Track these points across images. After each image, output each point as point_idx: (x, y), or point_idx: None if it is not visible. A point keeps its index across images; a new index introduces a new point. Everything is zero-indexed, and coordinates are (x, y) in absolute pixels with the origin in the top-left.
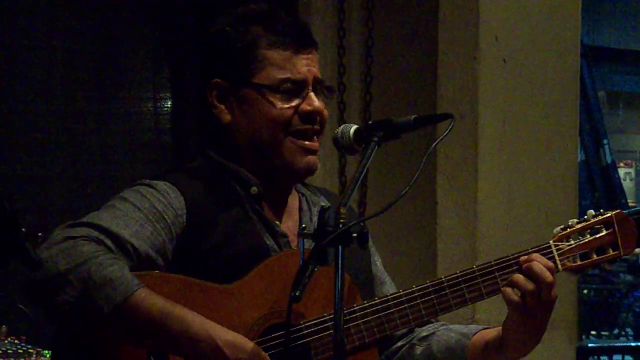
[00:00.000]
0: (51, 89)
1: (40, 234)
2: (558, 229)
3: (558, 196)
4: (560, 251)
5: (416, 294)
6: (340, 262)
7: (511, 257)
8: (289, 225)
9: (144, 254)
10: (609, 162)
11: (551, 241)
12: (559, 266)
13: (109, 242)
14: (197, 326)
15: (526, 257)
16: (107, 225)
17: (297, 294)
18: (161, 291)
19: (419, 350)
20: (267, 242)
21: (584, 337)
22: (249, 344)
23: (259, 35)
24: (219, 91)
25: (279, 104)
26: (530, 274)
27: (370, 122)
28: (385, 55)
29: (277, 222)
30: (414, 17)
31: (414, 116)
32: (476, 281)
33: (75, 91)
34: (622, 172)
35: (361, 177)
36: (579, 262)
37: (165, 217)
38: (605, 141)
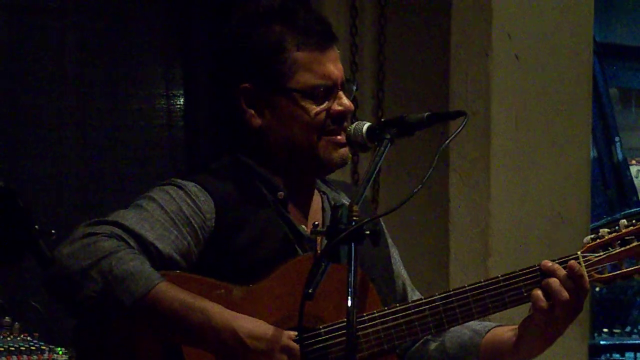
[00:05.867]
0: (63, 87)
1: (53, 231)
2: (588, 238)
3: (571, 193)
4: (588, 262)
5: (437, 302)
6: (353, 259)
7: (537, 266)
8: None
9: (167, 256)
10: (620, 159)
11: (579, 252)
12: (586, 278)
13: (131, 242)
14: (219, 317)
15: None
16: (131, 226)
17: (310, 291)
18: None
19: (432, 346)
20: (292, 247)
21: (595, 334)
22: (270, 332)
23: (283, 35)
24: (248, 95)
25: (313, 108)
26: (571, 274)
27: (383, 120)
28: (397, 52)
29: (303, 227)
30: (426, 15)
31: (427, 113)
32: (500, 290)
33: (87, 88)
34: (634, 169)
35: (374, 174)
36: (607, 274)
37: (192, 221)
38: (616, 138)
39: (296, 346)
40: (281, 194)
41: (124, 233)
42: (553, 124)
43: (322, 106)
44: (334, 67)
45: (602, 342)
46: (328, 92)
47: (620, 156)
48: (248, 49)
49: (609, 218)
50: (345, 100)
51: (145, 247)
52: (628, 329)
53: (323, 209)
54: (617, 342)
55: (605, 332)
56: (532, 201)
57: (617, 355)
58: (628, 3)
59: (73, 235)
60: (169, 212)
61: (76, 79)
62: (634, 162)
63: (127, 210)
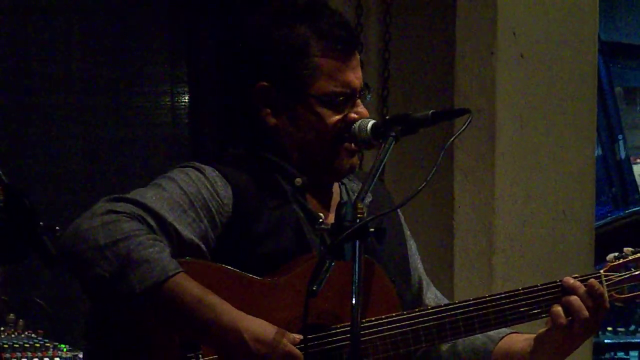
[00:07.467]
0: (69, 84)
1: (57, 228)
2: (611, 256)
3: (575, 192)
4: (610, 282)
5: (456, 311)
6: (357, 257)
7: (558, 282)
8: (332, 218)
9: (187, 239)
10: (623, 157)
11: (602, 271)
12: (606, 298)
13: (151, 222)
14: (227, 316)
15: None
16: (151, 205)
17: (314, 289)
18: (203, 280)
19: (444, 347)
20: (309, 237)
21: (600, 333)
22: (274, 336)
23: (307, 38)
24: (265, 94)
25: (329, 116)
26: (592, 292)
27: (387, 117)
28: (402, 50)
29: (321, 215)
30: (431, 13)
31: (431, 111)
32: (520, 303)
33: (92, 86)
34: (638, 168)
35: (378, 172)
36: (626, 294)
37: (210, 205)
38: (620, 137)
39: (298, 352)
40: (299, 180)
41: (144, 213)
42: (558, 122)
43: (340, 114)
44: (354, 75)
45: (606, 341)
46: (347, 100)
47: (623, 154)
48: (270, 47)
49: (613, 216)
50: (361, 109)
51: (165, 228)
52: (632, 327)
53: (341, 199)
54: (622, 341)
55: (610, 331)
56: (536, 199)
57: (622, 354)
58: (633, 2)
59: (93, 210)
60: (188, 194)
61: (81, 77)
62: (638, 160)
63: (146, 189)
